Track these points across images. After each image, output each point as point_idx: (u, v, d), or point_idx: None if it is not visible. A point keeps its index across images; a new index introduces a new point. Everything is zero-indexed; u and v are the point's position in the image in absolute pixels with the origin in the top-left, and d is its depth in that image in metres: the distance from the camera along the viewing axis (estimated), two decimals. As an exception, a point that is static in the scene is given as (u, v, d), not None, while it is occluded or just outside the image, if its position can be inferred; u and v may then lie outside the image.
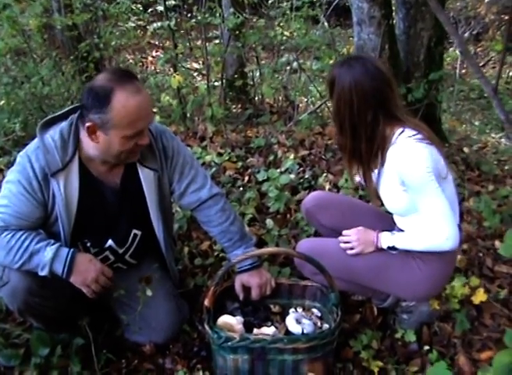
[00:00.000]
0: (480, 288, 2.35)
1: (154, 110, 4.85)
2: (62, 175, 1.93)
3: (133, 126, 1.83)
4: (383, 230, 2.13)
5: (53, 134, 1.93)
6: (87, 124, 1.84)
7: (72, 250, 1.93)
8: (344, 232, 2.18)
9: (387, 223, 2.26)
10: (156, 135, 2.09)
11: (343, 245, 2.15)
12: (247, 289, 2.23)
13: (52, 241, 1.93)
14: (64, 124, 1.95)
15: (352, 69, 1.94)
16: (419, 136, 1.92)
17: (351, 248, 2.13)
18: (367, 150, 2.01)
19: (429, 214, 1.93)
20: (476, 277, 2.48)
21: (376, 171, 2.07)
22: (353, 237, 2.13)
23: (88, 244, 2.11)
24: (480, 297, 2.29)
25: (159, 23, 4.41)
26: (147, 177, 2.08)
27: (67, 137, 1.93)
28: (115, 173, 2.06)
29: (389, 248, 2.08)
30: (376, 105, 1.94)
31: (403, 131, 1.94)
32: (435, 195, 1.91)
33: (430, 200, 1.92)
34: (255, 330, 2.11)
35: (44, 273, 1.88)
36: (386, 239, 2.09)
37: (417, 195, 1.94)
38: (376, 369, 2.11)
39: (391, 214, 2.21)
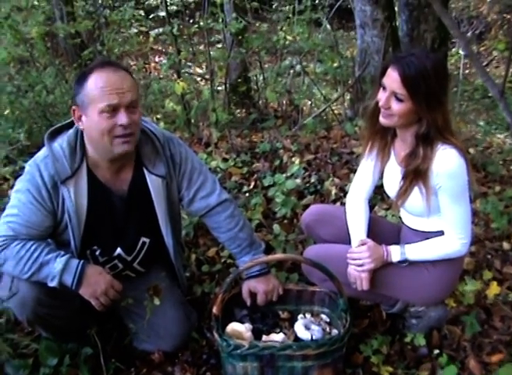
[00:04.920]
0: (493, 281, 2.32)
1: (158, 116, 4.85)
2: (72, 182, 1.93)
3: (105, 99, 1.81)
4: (390, 244, 2.10)
5: (61, 142, 1.94)
6: (72, 108, 1.90)
7: (82, 262, 1.93)
8: (355, 249, 2.10)
9: (389, 235, 2.25)
10: (163, 142, 2.08)
11: (352, 262, 2.08)
12: (254, 295, 2.23)
13: (62, 253, 1.94)
14: (71, 132, 1.97)
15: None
16: (459, 146, 1.92)
17: (361, 265, 2.06)
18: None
19: (456, 220, 1.97)
20: (488, 271, 2.47)
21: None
22: (365, 254, 2.06)
23: (97, 253, 2.11)
24: (494, 290, 2.27)
25: (161, 29, 4.41)
26: (155, 184, 2.07)
27: (74, 144, 1.95)
28: (122, 180, 2.06)
29: (399, 261, 2.06)
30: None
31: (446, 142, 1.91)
32: (467, 204, 1.97)
33: (462, 208, 1.96)
34: (264, 337, 2.10)
35: (53, 284, 1.88)
36: (397, 253, 2.06)
37: (450, 201, 1.94)
38: (386, 374, 2.10)
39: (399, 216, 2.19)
